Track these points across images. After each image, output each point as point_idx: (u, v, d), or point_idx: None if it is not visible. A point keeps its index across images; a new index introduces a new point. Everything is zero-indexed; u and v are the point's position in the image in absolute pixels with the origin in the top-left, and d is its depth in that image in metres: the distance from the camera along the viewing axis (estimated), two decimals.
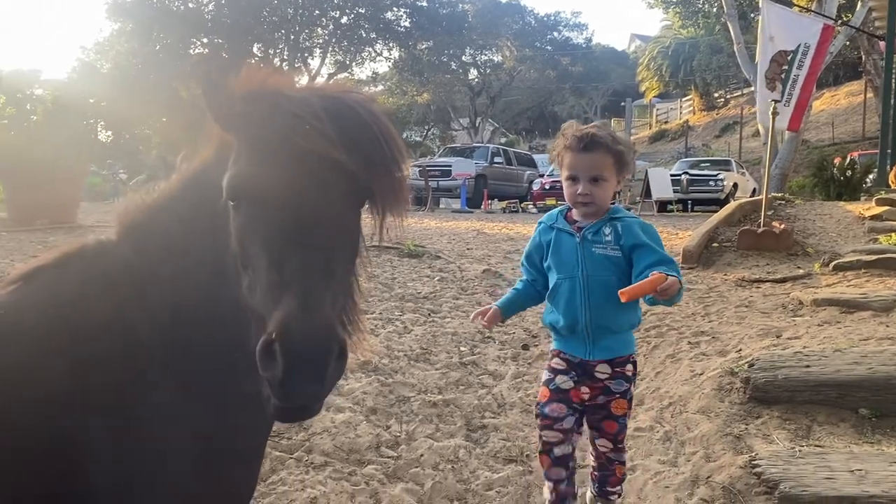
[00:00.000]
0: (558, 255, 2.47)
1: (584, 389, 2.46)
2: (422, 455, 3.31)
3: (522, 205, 21.96)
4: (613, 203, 2.53)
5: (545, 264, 2.52)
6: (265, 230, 1.24)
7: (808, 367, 3.63)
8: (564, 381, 2.46)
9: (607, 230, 2.41)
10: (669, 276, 2.13)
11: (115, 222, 1.55)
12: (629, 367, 2.49)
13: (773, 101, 7.94)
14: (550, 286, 2.51)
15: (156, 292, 1.45)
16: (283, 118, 1.28)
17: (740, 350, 4.26)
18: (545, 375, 2.55)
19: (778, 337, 4.48)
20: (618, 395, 2.46)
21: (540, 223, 2.61)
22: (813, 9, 16.99)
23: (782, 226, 7.82)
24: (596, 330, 2.42)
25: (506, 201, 21.64)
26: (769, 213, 8.53)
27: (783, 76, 8.30)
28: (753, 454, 3.05)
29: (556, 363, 2.51)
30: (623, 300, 2.13)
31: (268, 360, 1.12)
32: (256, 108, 1.32)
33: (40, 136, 8.82)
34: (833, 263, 6.50)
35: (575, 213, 2.51)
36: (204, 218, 1.42)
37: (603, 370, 2.45)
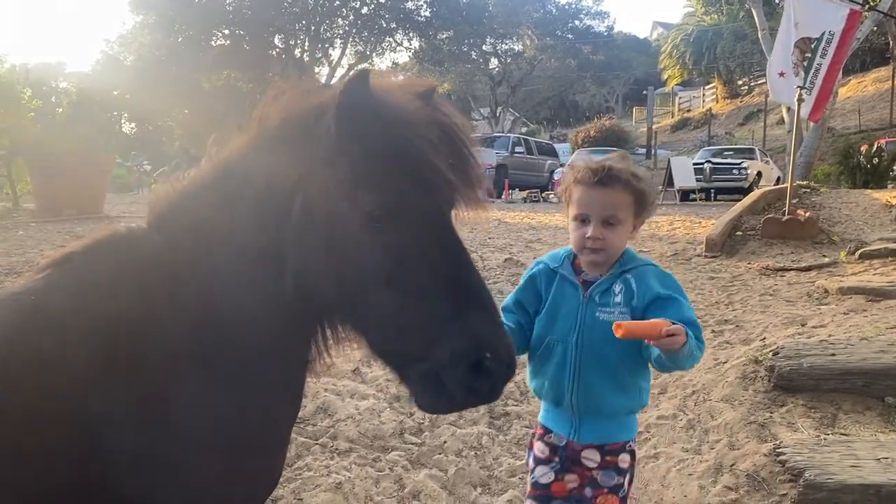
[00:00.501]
0: (555, 312, 2.01)
1: (570, 478, 2.01)
2: (445, 442, 3.34)
3: (543, 194, 21.86)
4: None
5: (538, 317, 2.05)
6: (431, 250, 1.35)
7: (833, 355, 3.61)
8: (544, 474, 2.03)
9: (617, 288, 1.97)
10: (676, 325, 1.75)
11: (146, 210, 1.57)
12: (625, 456, 1.99)
13: (798, 87, 7.85)
14: (538, 343, 2.02)
15: (185, 278, 1.46)
16: (411, 138, 1.34)
17: (764, 338, 4.23)
18: (529, 461, 2.13)
19: (803, 325, 4.45)
20: (606, 490, 1.96)
21: (539, 263, 2.13)
22: None
23: (807, 214, 7.74)
24: (584, 410, 1.97)
25: (527, 191, 21.55)
26: (794, 201, 8.45)
27: (806, 64, 8.17)
28: (778, 442, 3.04)
29: (539, 448, 2.07)
30: (617, 335, 1.74)
31: (479, 374, 1.31)
32: (378, 125, 1.35)
33: (66, 128, 8.94)
34: (859, 252, 6.43)
35: (581, 261, 2.04)
36: (242, 207, 1.44)
37: (591, 457, 1.98)
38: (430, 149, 1.35)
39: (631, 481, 2.03)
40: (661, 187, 20.17)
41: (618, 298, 1.95)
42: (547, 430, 2.06)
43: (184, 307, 1.44)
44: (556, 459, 2.02)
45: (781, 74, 8.45)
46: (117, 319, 1.39)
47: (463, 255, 1.41)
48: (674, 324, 1.75)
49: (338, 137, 1.35)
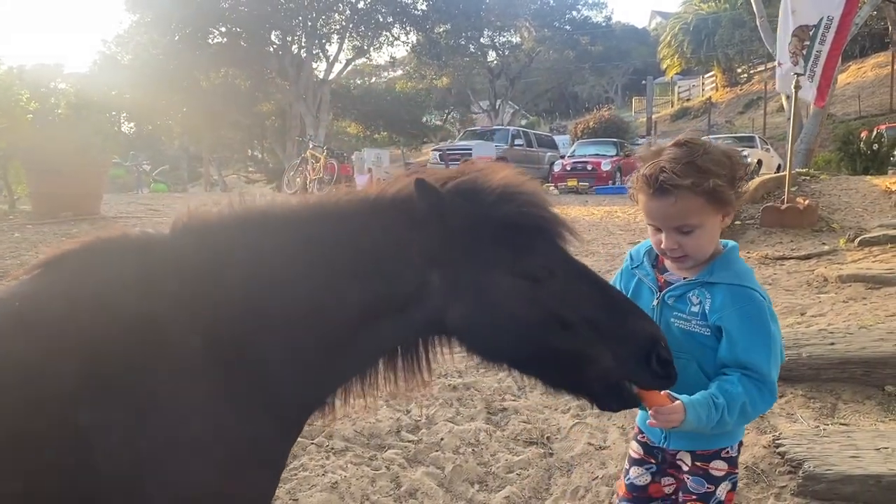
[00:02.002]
0: None
1: (667, 480, 1.94)
2: (442, 439, 3.32)
3: (544, 186, 21.85)
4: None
5: None
6: (581, 284, 1.55)
7: (833, 344, 3.58)
8: (639, 476, 1.96)
9: (695, 298, 1.77)
10: (674, 403, 1.63)
11: (178, 219, 1.53)
12: (718, 463, 1.83)
13: (795, 74, 7.79)
14: None
15: (212, 296, 1.43)
16: (524, 205, 1.53)
17: None
18: (626, 461, 2.05)
19: (802, 314, 4.42)
20: (695, 497, 1.85)
21: (628, 257, 2.00)
22: None
23: (806, 201, 7.71)
24: None
25: None
26: (793, 189, 8.42)
27: (805, 52, 8.08)
28: (777, 434, 3.02)
29: (634, 449, 2.00)
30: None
31: (663, 361, 1.52)
32: (498, 205, 1.51)
33: (64, 130, 8.90)
34: (859, 239, 6.40)
35: (665, 262, 1.88)
36: (323, 257, 1.50)
37: (684, 460, 1.88)
38: (538, 206, 1.56)
39: (732, 489, 1.87)
40: None
41: (695, 308, 1.77)
42: (641, 431, 1.99)
43: (202, 320, 1.41)
44: (653, 461, 1.95)
45: (779, 64, 8.38)
46: (112, 327, 1.34)
47: (598, 277, 1.61)
48: (673, 398, 1.63)
49: (468, 228, 1.50)
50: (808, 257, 6.25)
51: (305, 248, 1.51)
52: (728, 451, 1.85)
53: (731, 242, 1.86)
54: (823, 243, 6.72)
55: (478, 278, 1.50)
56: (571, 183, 20.32)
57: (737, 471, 1.88)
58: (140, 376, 1.33)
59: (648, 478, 1.95)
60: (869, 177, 11.42)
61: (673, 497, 1.93)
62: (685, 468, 1.87)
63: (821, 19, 8.06)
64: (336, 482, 2.88)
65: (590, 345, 1.52)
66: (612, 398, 1.58)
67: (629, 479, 1.98)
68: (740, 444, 1.90)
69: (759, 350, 1.68)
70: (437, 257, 1.50)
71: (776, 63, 8.62)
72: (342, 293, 1.49)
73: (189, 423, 1.36)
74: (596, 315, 1.52)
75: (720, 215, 1.75)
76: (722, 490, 1.84)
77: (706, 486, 1.84)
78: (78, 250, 1.46)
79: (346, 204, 1.57)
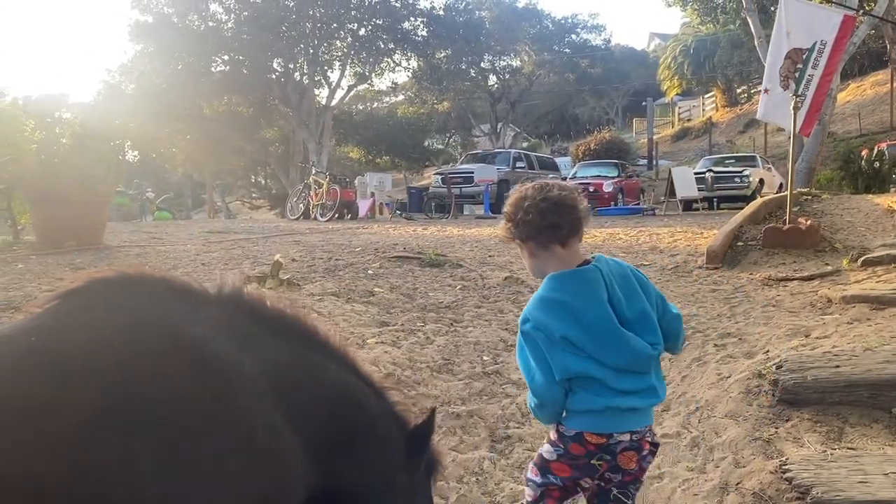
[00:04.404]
0: None
1: None
2: (446, 468, 3.29)
3: None
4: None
5: None
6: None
7: (838, 367, 3.55)
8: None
9: None
10: None
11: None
12: (551, 433, 2.23)
13: (793, 96, 7.81)
14: None
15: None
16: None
17: (768, 351, 4.18)
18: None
19: (806, 336, 4.39)
20: None
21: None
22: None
23: (808, 222, 7.70)
24: None
25: None
26: (795, 209, 8.42)
27: (797, 75, 8.07)
28: (784, 459, 2.98)
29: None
30: None
31: None
32: None
33: (69, 160, 8.96)
34: (862, 259, 6.38)
35: None
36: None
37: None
38: None
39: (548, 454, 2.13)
40: (663, 198, 20.16)
41: None
42: None
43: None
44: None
45: (765, 91, 8.33)
46: (140, 360, 1.31)
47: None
48: None
49: None
50: (811, 278, 6.22)
51: None
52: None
53: (555, 273, 2.07)
54: (826, 264, 6.70)
55: None
56: None
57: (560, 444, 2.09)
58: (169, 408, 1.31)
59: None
60: (871, 195, 11.42)
61: None
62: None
63: (814, 43, 8.07)
64: None
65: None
66: None
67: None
68: (578, 433, 2.04)
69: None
70: None
71: (762, 90, 8.49)
72: None
73: (223, 458, 1.34)
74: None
75: (523, 246, 2.12)
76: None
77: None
78: (104, 279, 1.46)
79: None
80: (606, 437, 2.01)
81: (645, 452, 2.07)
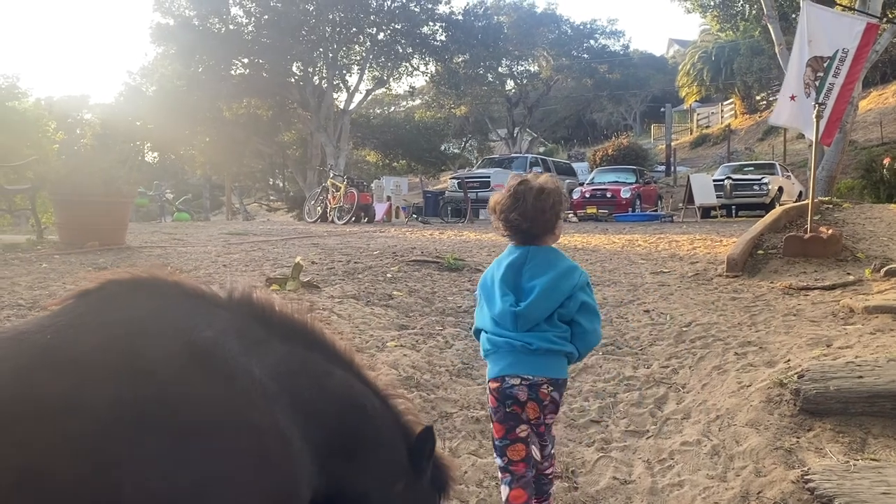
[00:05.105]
0: None
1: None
2: (465, 472, 3.30)
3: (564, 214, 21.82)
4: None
5: None
6: None
7: (860, 377, 3.53)
8: None
9: None
10: None
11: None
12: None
13: (815, 104, 7.74)
14: None
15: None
16: None
17: (789, 360, 4.16)
18: None
19: (828, 346, 4.36)
20: None
21: None
22: (857, 7, 16.54)
23: (830, 231, 7.64)
24: None
25: None
26: (816, 217, 8.35)
27: (817, 83, 7.97)
28: (806, 468, 2.97)
29: None
30: None
31: None
32: None
33: (90, 159, 9.06)
34: (885, 269, 6.32)
35: None
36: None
37: None
38: None
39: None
40: (681, 205, 20.06)
41: None
42: None
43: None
44: None
45: (792, 98, 8.23)
46: (156, 358, 1.33)
47: None
48: None
49: None
50: (832, 287, 6.18)
51: None
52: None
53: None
54: (848, 273, 6.64)
55: None
56: (591, 210, 20.30)
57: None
58: (178, 410, 1.32)
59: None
60: (893, 205, 11.31)
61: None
62: None
63: (836, 52, 7.97)
64: None
65: None
66: None
67: None
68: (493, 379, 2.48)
69: None
70: None
71: (790, 96, 8.32)
72: None
73: (235, 457, 1.35)
74: None
75: None
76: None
77: None
78: (120, 280, 1.48)
79: None
80: (500, 381, 2.41)
81: (546, 402, 2.42)
